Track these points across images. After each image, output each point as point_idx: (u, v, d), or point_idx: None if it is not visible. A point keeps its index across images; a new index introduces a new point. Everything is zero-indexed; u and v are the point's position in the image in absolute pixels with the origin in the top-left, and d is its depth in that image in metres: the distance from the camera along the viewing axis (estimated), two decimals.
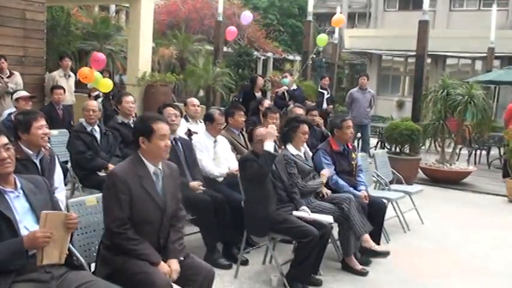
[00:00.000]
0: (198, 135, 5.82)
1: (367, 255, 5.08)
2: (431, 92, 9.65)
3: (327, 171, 5.12)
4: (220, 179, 5.47)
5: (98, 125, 5.79)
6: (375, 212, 5.37)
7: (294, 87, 10.79)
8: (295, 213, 4.55)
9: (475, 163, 11.58)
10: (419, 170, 9.68)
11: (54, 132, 6.32)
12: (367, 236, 4.93)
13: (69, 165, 5.75)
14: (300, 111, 6.98)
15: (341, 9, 22.67)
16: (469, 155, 11.78)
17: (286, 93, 10.29)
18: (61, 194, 4.13)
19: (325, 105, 11.60)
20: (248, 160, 4.57)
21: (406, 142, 9.48)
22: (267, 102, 7.83)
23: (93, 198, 3.55)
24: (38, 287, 2.72)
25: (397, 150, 9.64)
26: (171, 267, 3.15)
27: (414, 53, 11.22)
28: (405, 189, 6.81)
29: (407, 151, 9.68)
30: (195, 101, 7.03)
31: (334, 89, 16.09)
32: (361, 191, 5.40)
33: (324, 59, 22.10)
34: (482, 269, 5.33)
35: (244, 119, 6.19)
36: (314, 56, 14.24)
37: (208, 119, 5.60)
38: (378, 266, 5.17)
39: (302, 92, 11.08)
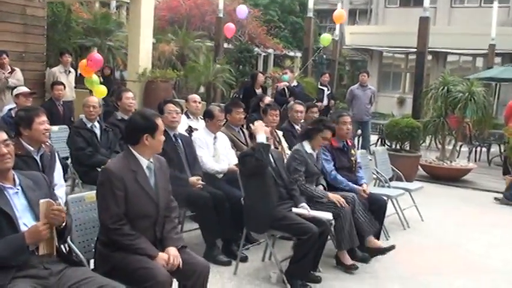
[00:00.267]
0: (198, 131, 5.82)
1: (375, 255, 5.09)
2: (431, 89, 9.64)
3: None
4: (220, 175, 5.47)
5: (98, 121, 5.80)
6: (375, 209, 5.37)
7: (295, 83, 10.79)
8: (294, 210, 4.55)
9: (476, 160, 11.58)
10: (420, 167, 9.68)
11: (55, 128, 6.33)
12: (371, 237, 4.95)
13: (69, 161, 5.76)
14: (300, 107, 6.98)
15: (342, 6, 22.61)
16: (470, 152, 11.78)
17: (286, 89, 10.27)
18: (60, 190, 4.15)
19: (325, 102, 11.57)
20: (247, 155, 4.57)
21: (407, 139, 9.48)
22: (268, 99, 7.82)
23: (93, 195, 3.54)
24: (37, 283, 2.72)
25: (398, 147, 9.64)
26: (170, 254, 3.16)
27: (415, 50, 11.21)
28: (405, 186, 6.81)
29: (408, 148, 9.67)
30: (197, 97, 7.03)
31: (335, 85, 16.07)
32: (361, 184, 5.43)
33: (324, 56, 22.08)
34: (482, 266, 5.34)
35: (243, 116, 6.18)
36: (316, 58, 14.21)
37: (208, 115, 5.59)
38: (377, 262, 5.18)
39: (302, 88, 11.08)
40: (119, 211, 3.11)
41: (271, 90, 13.75)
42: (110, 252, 3.15)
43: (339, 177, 5.38)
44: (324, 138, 5.05)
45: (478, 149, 11.94)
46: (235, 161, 5.51)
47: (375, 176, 6.84)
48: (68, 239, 3.19)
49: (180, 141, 5.16)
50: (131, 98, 6.23)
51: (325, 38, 12.41)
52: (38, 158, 4.04)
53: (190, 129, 6.15)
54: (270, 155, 4.69)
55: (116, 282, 2.86)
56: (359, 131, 11.32)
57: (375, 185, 6.90)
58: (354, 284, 4.68)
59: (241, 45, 18.73)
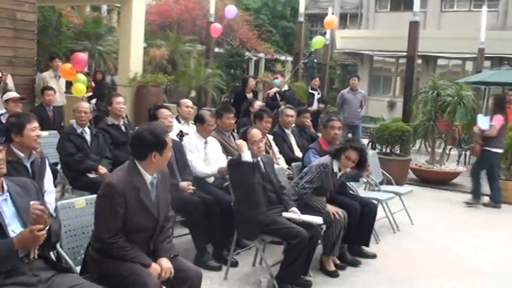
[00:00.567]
0: (189, 136, 5.83)
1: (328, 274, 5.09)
2: (421, 93, 9.71)
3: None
4: (211, 180, 5.48)
5: (89, 127, 5.78)
6: (365, 212, 5.39)
7: (286, 88, 10.80)
8: (284, 214, 4.56)
9: (465, 163, 11.64)
10: (410, 171, 9.73)
11: (45, 133, 6.28)
12: (328, 258, 5.00)
13: (59, 166, 5.74)
14: (291, 112, 7.01)
15: (333, 10, 22.71)
16: (459, 156, 11.85)
17: (277, 94, 10.30)
18: (50, 196, 4.13)
19: (315, 106, 11.61)
20: (235, 165, 4.57)
21: (397, 143, 9.54)
22: (258, 104, 7.83)
23: (82, 201, 3.55)
24: None
25: (388, 151, 9.69)
26: (162, 266, 3.15)
27: (405, 54, 11.27)
28: (395, 190, 6.85)
29: (398, 152, 9.73)
30: (189, 102, 7.04)
31: (326, 89, 16.12)
32: None
33: (315, 60, 22.17)
34: (471, 269, 5.38)
35: (234, 121, 6.20)
36: (306, 61, 14.25)
37: (199, 120, 5.61)
38: (367, 266, 5.21)
39: (293, 93, 11.10)
40: (117, 226, 3.08)
41: (262, 94, 13.78)
42: (103, 259, 3.13)
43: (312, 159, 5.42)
44: (347, 157, 4.91)
45: (468, 152, 12.00)
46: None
47: (365, 180, 6.86)
48: (58, 246, 3.19)
49: None
50: (122, 103, 6.22)
51: (318, 41, 12.41)
52: (28, 165, 4.03)
53: (181, 134, 6.15)
54: (260, 160, 4.70)
55: None
56: (349, 135, 11.36)
57: (365, 189, 6.93)
58: None
59: (232, 50, 18.78)
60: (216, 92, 12.81)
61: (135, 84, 10.37)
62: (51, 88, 8.29)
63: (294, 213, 4.58)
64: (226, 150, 5.86)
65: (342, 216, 4.91)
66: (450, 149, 11.20)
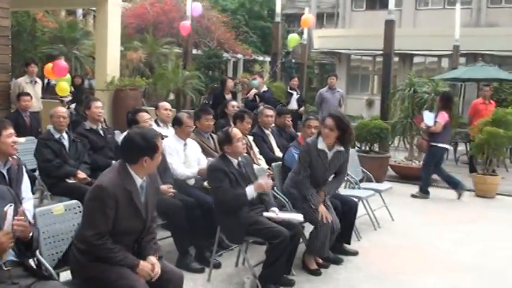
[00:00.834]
0: (168, 138, 5.80)
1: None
2: (398, 91, 9.82)
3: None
4: (192, 182, 5.46)
5: (66, 132, 5.73)
6: (346, 210, 5.45)
7: (265, 88, 10.81)
8: (265, 214, 4.57)
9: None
10: (389, 168, 9.81)
11: (21, 139, 6.21)
12: (311, 257, 5.02)
13: (37, 173, 5.67)
14: (270, 112, 7.03)
15: (309, 10, 22.79)
16: None
17: (256, 95, 10.31)
18: (28, 203, 4.08)
19: (295, 106, 11.65)
20: (216, 170, 4.52)
21: (375, 140, 9.61)
22: (232, 104, 7.79)
23: (61, 207, 3.52)
24: None
25: (367, 148, 9.76)
26: (153, 262, 3.16)
27: (382, 52, 11.37)
28: (375, 187, 6.91)
29: (377, 149, 9.80)
30: (167, 105, 7.01)
31: (305, 89, 16.18)
32: None
33: (293, 60, 22.23)
34: (450, 263, 5.45)
35: (212, 122, 6.20)
36: (283, 59, 14.28)
37: (177, 122, 5.60)
38: (349, 263, 5.25)
39: (272, 93, 11.13)
40: (106, 229, 3.06)
41: (242, 95, 13.78)
42: (89, 262, 3.11)
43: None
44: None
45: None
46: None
47: (345, 178, 6.90)
48: (37, 253, 3.16)
49: None
50: (100, 107, 6.18)
51: (293, 39, 12.42)
52: (5, 172, 3.97)
53: (160, 137, 6.12)
54: (237, 162, 4.67)
55: None
56: None
57: (345, 187, 6.97)
58: (327, 286, 4.74)
59: (210, 51, 18.73)
60: (195, 94, 12.76)
61: (112, 88, 10.29)
62: (27, 94, 8.20)
63: (273, 213, 4.58)
64: (205, 151, 5.85)
65: (329, 222, 4.89)
66: None
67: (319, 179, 5.02)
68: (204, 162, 5.63)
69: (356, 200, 5.91)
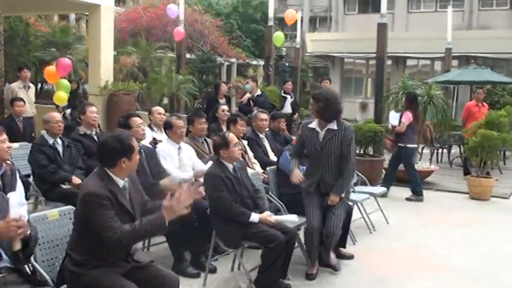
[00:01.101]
0: (162, 143, 5.80)
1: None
2: (392, 94, 9.83)
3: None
4: None
5: (61, 137, 5.71)
6: None
7: (258, 92, 10.79)
8: (260, 216, 4.55)
9: (437, 162, 11.82)
10: (383, 171, 9.81)
11: (15, 145, 6.19)
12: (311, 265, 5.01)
13: (31, 178, 5.65)
14: (264, 116, 7.04)
15: (302, 14, 22.86)
16: (431, 154, 12.01)
17: (250, 100, 10.30)
18: (22, 209, 4.03)
19: (289, 110, 11.65)
20: (214, 177, 4.49)
21: (370, 143, 9.61)
22: (222, 108, 7.78)
23: (56, 212, 3.50)
24: None
25: (361, 151, 9.76)
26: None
27: (375, 55, 11.40)
28: (370, 190, 6.90)
29: (371, 152, 9.81)
30: (161, 109, 7.01)
31: (298, 92, 16.20)
32: None
33: (287, 63, 22.27)
34: (445, 266, 5.46)
35: (206, 126, 6.21)
36: (274, 61, 14.28)
37: (167, 126, 5.61)
38: (345, 267, 5.24)
39: (266, 97, 11.12)
40: (118, 223, 3.08)
41: (236, 99, 13.77)
42: (83, 271, 3.11)
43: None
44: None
45: (440, 150, 12.19)
46: (204, 167, 5.51)
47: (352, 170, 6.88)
48: (32, 259, 3.14)
49: (142, 152, 5.15)
50: (95, 112, 6.16)
51: (278, 37, 12.39)
52: None
53: (154, 141, 6.12)
54: (233, 167, 4.67)
55: None
56: None
57: None
58: None
59: (203, 55, 18.73)
60: (189, 98, 12.77)
61: (106, 93, 10.28)
62: (20, 99, 8.17)
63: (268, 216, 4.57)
64: (200, 156, 5.84)
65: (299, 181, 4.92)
66: (422, 148, 11.35)
67: (317, 160, 4.86)
68: (199, 165, 5.63)
69: (351, 203, 5.91)
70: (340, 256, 5.45)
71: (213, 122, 7.63)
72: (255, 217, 4.45)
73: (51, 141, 5.58)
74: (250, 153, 6.54)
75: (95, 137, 6.09)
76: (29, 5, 12.04)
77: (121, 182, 3.25)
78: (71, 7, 12.55)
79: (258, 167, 6.37)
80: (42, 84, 17.60)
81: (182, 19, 13.01)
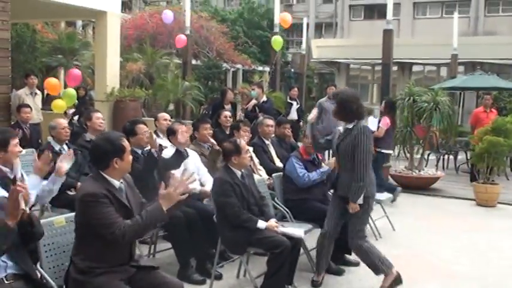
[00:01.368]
0: (167, 149, 5.80)
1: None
2: (398, 100, 9.82)
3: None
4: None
5: (66, 144, 5.73)
6: (347, 221, 5.42)
7: (264, 99, 10.77)
8: (266, 224, 4.55)
9: (444, 168, 11.79)
10: (390, 177, 9.81)
11: (22, 151, 6.21)
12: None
13: None
14: (270, 122, 7.04)
15: (308, 20, 22.92)
16: (437, 161, 11.99)
17: (256, 106, 10.30)
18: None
19: (295, 116, 11.65)
20: (224, 183, 4.49)
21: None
22: (225, 114, 7.78)
23: (62, 219, 3.51)
24: None
25: None
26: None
27: (381, 61, 11.41)
28: (376, 197, 6.87)
29: None
30: (166, 115, 7.04)
31: (304, 98, 16.23)
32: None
33: (292, 70, 22.30)
34: (452, 273, 5.43)
35: (211, 131, 6.22)
36: (273, 66, 14.29)
37: (170, 133, 5.64)
38: (351, 274, 5.23)
39: (272, 103, 11.11)
40: (120, 219, 3.11)
41: (241, 106, 13.78)
42: (87, 279, 3.11)
43: (311, 175, 5.48)
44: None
45: (446, 157, 12.16)
46: (208, 176, 5.52)
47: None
48: (38, 265, 3.15)
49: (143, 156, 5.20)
50: (101, 118, 6.19)
51: (277, 41, 12.37)
52: (12, 177, 3.99)
53: (160, 148, 6.13)
54: (241, 174, 4.67)
55: None
56: None
57: None
58: None
59: (209, 62, 18.79)
60: (195, 105, 12.80)
61: (112, 99, 10.31)
62: (27, 105, 8.22)
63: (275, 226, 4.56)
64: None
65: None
66: (428, 155, 11.32)
67: (337, 159, 4.86)
68: (204, 172, 5.64)
69: None
70: (346, 263, 5.44)
71: (216, 128, 7.66)
72: (261, 224, 4.45)
73: (57, 147, 5.61)
74: (256, 160, 6.54)
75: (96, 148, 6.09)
76: (36, 12, 12.11)
77: (116, 183, 3.28)
78: (78, 14, 12.61)
79: (263, 173, 6.37)
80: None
81: (188, 25, 13.08)
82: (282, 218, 5.27)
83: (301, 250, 4.89)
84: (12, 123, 8.50)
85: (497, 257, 6.02)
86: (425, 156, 10.68)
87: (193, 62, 16.33)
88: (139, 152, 5.34)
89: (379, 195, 7.09)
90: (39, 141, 8.19)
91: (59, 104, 8.41)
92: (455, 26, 16.48)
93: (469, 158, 11.33)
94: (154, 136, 5.66)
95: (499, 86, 13.70)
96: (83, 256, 3.16)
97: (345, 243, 5.29)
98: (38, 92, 9.63)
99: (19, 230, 2.84)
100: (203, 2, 28.36)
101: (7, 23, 9.08)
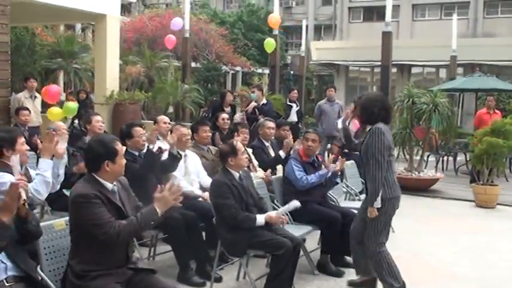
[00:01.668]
0: (167, 151, 5.81)
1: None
2: (397, 102, 9.83)
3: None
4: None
5: (66, 147, 5.73)
6: (347, 223, 5.41)
7: (264, 101, 10.76)
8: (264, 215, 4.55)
9: (443, 170, 11.79)
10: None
11: None
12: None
13: None
14: (271, 124, 7.05)
15: (307, 22, 22.94)
16: (437, 162, 11.99)
17: (256, 108, 10.30)
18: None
19: (295, 118, 11.65)
20: (221, 185, 4.49)
21: None
22: (222, 117, 7.79)
23: (62, 222, 3.51)
24: None
25: None
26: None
27: (380, 63, 11.42)
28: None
29: None
30: (166, 118, 7.03)
31: (304, 100, 16.25)
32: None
33: (292, 72, 22.32)
34: (452, 274, 5.43)
35: (210, 134, 6.23)
36: (269, 59, 14.31)
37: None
38: (350, 276, 5.21)
39: (272, 106, 11.11)
40: (110, 218, 3.11)
41: (241, 108, 13.79)
42: (83, 283, 3.11)
43: (309, 177, 5.45)
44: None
45: (445, 158, 12.16)
46: (207, 179, 5.52)
47: (345, 190, 6.90)
48: (38, 268, 3.15)
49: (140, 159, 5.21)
50: (101, 121, 6.19)
51: (269, 43, 12.39)
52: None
53: (160, 150, 6.13)
54: (239, 175, 4.68)
55: None
56: (329, 146, 11.41)
57: (345, 199, 6.95)
58: None
59: (208, 64, 18.82)
60: (194, 107, 12.81)
61: (111, 102, 10.33)
62: (26, 108, 8.22)
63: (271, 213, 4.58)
64: (203, 164, 5.85)
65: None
66: (428, 156, 11.32)
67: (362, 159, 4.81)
68: (204, 175, 5.64)
69: (356, 212, 5.88)
70: (346, 265, 5.43)
71: (214, 130, 7.67)
72: (260, 219, 4.45)
73: None
74: (255, 162, 6.54)
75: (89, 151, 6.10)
76: (36, 16, 12.14)
77: (109, 186, 3.28)
78: (77, 17, 12.64)
79: (261, 174, 6.36)
80: None
81: (188, 28, 13.08)
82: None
83: (301, 252, 4.89)
84: (12, 126, 8.49)
85: (497, 258, 6.02)
86: (425, 158, 10.68)
87: (193, 64, 16.36)
88: (137, 154, 5.32)
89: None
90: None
91: (54, 112, 8.35)
92: (454, 28, 16.50)
93: (468, 159, 11.34)
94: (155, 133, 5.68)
95: (498, 88, 13.70)
96: (78, 259, 3.16)
97: (345, 244, 5.33)
98: (38, 95, 9.63)
99: (16, 228, 2.85)
100: (202, 4, 28.44)
101: (6, 26, 9.10)
